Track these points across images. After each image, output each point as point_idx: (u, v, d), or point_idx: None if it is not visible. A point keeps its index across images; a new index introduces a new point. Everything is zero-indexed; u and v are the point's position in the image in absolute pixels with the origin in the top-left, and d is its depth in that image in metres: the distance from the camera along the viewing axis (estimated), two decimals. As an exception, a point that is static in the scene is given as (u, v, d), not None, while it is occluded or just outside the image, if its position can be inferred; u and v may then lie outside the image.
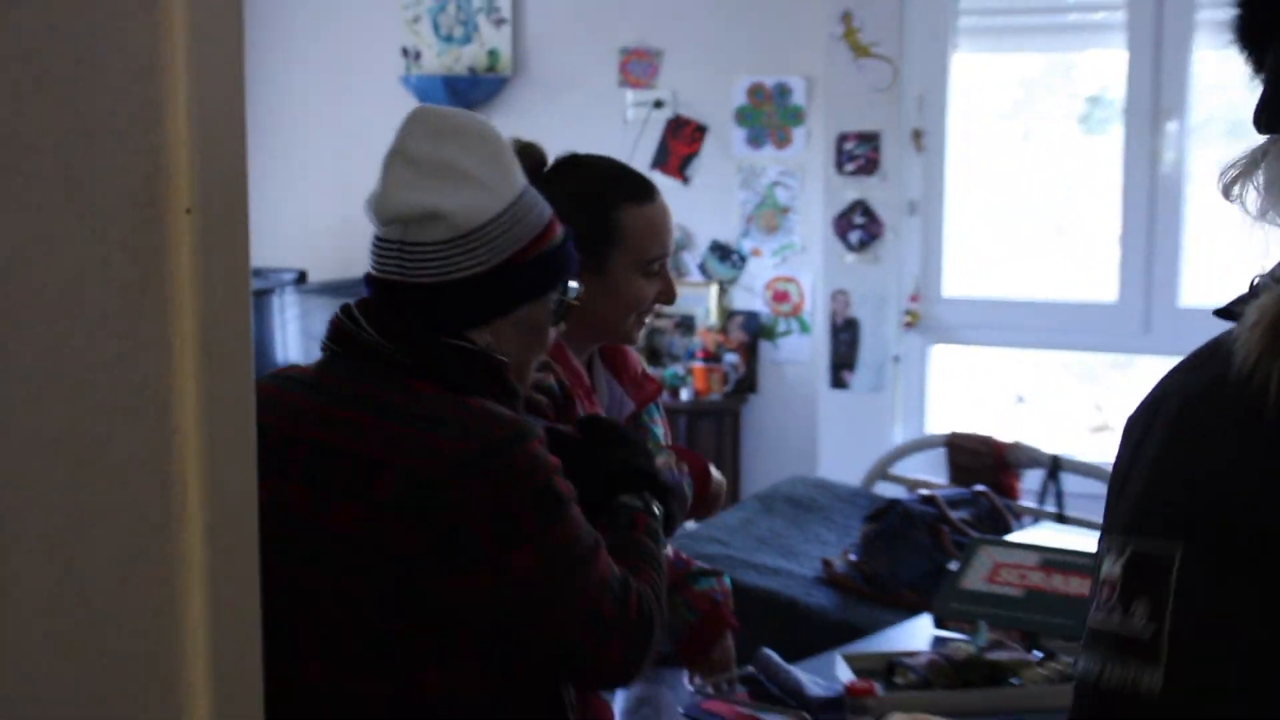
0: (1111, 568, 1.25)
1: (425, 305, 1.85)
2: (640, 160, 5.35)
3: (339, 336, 1.88)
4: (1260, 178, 1.43)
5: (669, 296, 2.53)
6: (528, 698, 1.92)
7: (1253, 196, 1.44)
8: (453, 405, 1.81)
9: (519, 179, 1.93)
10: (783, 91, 5.43)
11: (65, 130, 0.93)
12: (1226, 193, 1.47)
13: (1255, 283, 1.35)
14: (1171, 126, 4.88)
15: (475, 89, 5.76)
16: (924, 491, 3.85)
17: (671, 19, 5.56)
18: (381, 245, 1.86)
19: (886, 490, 4.37)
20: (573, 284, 2.01)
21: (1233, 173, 1.45)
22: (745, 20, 5.46)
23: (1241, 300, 1.35)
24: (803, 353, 5.49)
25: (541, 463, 1.82)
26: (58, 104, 0.93)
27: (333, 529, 1.77)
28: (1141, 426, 1.32)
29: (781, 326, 5.52)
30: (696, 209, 5.60)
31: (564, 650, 1.85)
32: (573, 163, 2.53)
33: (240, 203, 1.04)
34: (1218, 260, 4.95)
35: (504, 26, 5.77)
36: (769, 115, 5.46)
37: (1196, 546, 1.23)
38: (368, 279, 1.90)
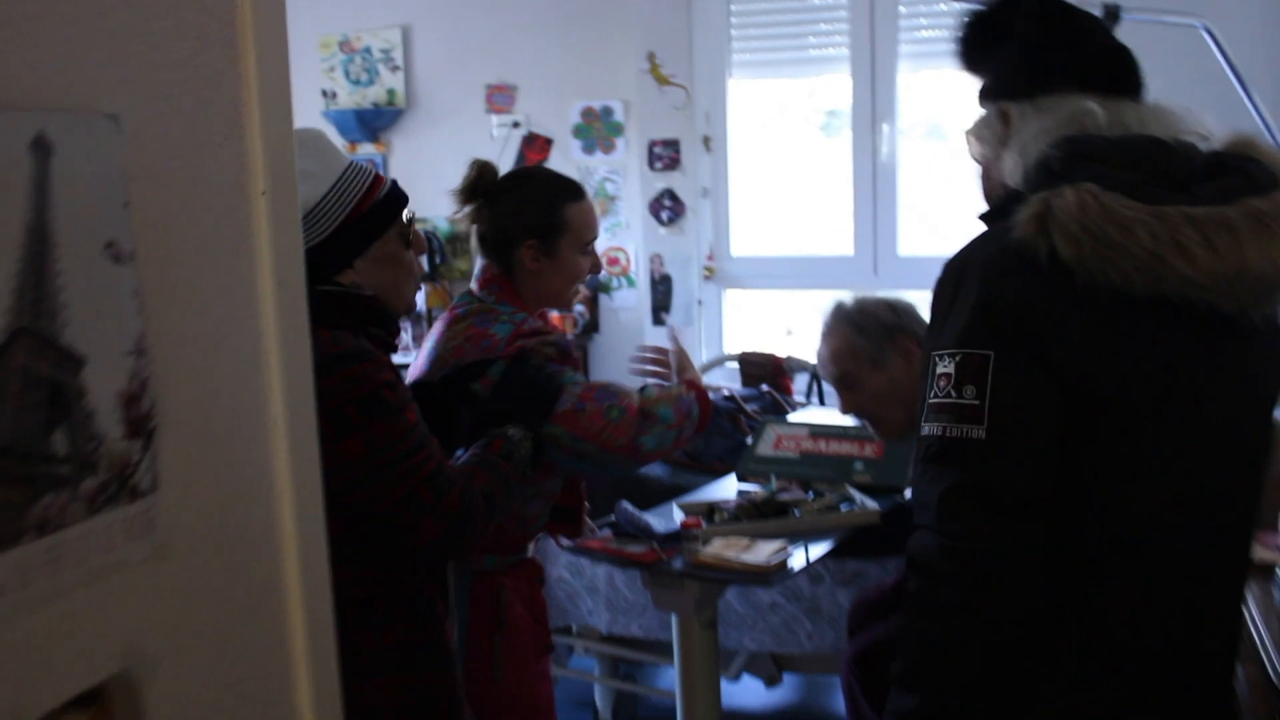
0: (947, 366, 1.45)
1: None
2: (504, 167, 5.25)
3: None
4: (980, 131, 1.70)
5: (598, 268, 2.50)
6: (392, 562, 1.92)
7: (973, 143, 1.73)
8: (313, 336, 1.90)
9: (340, 164, 1.91)
10: (607, 111, 5.47)
11: (189, 144, 1.01)
12: (966, 138, 1.74)
13: (1011, 194, 1.56)
14: (885, 129, 5.00)
15: (379, 119, 5.73)
16: (725, 392, 3.90)
17: (524, 61, 5.56)
18: None
19: (698, 396, 4.45)
20: (405, 216, 1.98)
21: (968, 126, 1.72)
22: (578, 60, 5.48)
23: (998, 210, 1.56)
24: (631, 301, 5.53)
25: (366, 377, 1.81)
26: (185, 126, 1.00)
27: None
28: (955, 279, 1.51)
29: (615, 283, 5.55)
30: (548, 201, 5.56)
31: (387, 519, 1.84)
32: (523, 174, 2.51)
33: (292, 188, 1.12)
34: (920, 223, 5.07)
35: (398, 72, 5.73)
36: (598, 129, 5.49)
37: (1004, 350, 1.44)
38: None
